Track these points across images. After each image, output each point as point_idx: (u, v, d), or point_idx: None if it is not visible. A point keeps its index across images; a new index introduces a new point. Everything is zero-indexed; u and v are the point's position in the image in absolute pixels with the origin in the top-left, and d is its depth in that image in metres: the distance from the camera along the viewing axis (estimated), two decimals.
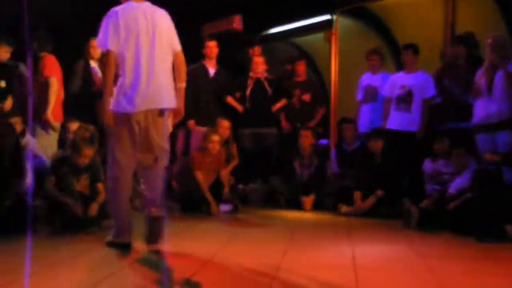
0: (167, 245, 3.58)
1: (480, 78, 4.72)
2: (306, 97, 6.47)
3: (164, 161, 3.60)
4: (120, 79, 3.42)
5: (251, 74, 6.41)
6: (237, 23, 7.75)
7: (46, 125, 5.23)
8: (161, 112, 3.49)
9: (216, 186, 5.49)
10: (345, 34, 7.23)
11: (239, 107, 6.35)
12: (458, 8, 6.25)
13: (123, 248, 3.44)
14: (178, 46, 3.62)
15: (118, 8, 3.44)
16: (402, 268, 3.16)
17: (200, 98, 6.19)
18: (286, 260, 3.21)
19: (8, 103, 5.20)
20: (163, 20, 3.55)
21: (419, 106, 5.51)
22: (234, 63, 7.52)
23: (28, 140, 4.94)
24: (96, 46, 5.04)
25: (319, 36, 7.45)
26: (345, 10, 7.19)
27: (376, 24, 7.60)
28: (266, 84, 6.36)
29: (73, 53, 5.87)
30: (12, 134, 4.44)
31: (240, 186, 6.12)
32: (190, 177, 5.37)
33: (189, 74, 6.07)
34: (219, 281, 2.81)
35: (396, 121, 5.62)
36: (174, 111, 3.61)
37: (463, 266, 3.22)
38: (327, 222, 5.02)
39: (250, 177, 6.34)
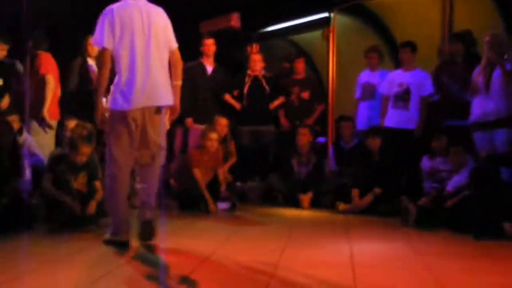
0: (165, 243, 3.59)
1: (477, 76, 4.72)
2: (305, 94, 6.48)
3: (161, 159, 3.62)
4: (117, 77, 3.43)
5: (248, 71, 6.41)
6: (235, 20, 7.76)
7: (42, 123, 5.23)
8: (158, 110, 3.50)
9: (214, 184, 5.49)
10: (343, 32, 7.24)
11: (236, 105, 6.34)
12: (455, 6, 6.25)
13: (121, 246, 3.43)
14: (174, 44, 3.62)
15: (114, 6, 3.44)
16: (400, 266, 3.16)
17: (198, 96, 6.18)
18: (284, 258, 3.21)
19: (5, 101, 5.20)
20: (160, 17, 3.54)
21: (417, 104, 5.52)
22: (232, 61, 7.51)
23: (26, 138, 4.94)
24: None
25: (317, 33, 7.46)
26: (343, 8, 7.20)
27: (374, 21, 7.61)
28: (263, 81, 6.35)
29: (72, 51, 5.87)
30: (9, 132, 4.43)
31: (238, 184, 6.12)
32: (188, 175, 5.36)
33: (186, 71, 6.10)
34: (217, 278, 2.81)
35: (394, 119, 5.62)
36: (171, 109, 3.64)
37: (461, 263, 3.22)
38: (325, 220, 5.02)
39: (248, 175, 6.34)
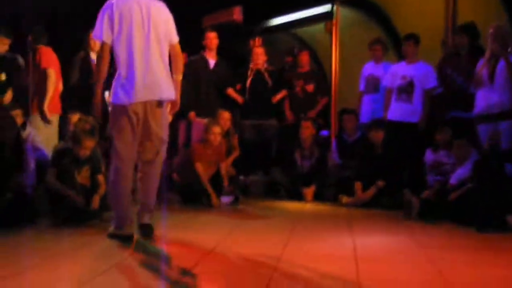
0: (168, 237, 3.59)
1: (481, 68, 4.70)
2: (310, 87, 6.47)
3: (163, 154, 3.63)
4: (117, 71, 3.44)
5: (251, 65, 6.39)
6: (237, 14, 7.74)
7: (42, 117, 5.25)
8: (159, 103, 3.51)
9: (217, 178, 5.49)
10: (345, 25, 7.21)
11: (239, 99, 6.34)
12: None
13: (125, 240, 3.44)
14: (175, 38, 3.62)
15: (114, 0, 3.44)
16: (403, 259, 3.15)
17: (201, 90, 6.18)
18: (287, 251, 3.21)
19: (8, 96, 5.20)
20: (160, 11, 3.54)
21: (420, 97, 5.50)
22: (234, 55, 7.50)
23: (29, 132, 4.95)
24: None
25: (319, 26, 7.43)
26: (345, 1, 7.17)
27: (377, 14, 7.57)
28: (266, 75, 6.34)
29: (73, 46, 5.88)
30: (13, 126, 4.43)
31: (241, 177, 6.13)
32: (191, 169, 5.36)
33: (189, 65, 6.12)
34: (220, 272, 2.81)
35: (397, 112, 5.61)
36: (171, 103, 3.64)
37: (464, 256, 3.21)
38: (328, 213, 5.02)
39: (250, 169, 6.34)
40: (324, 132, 7.04)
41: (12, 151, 4.23)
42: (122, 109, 3.40)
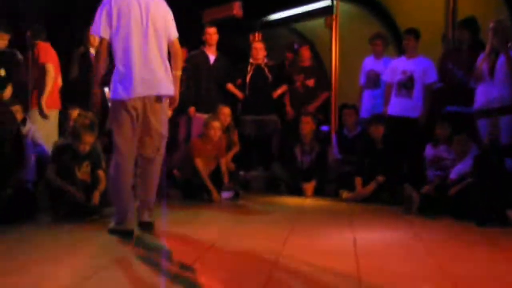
0: (168, 232, 3.60)
1: (481, 63, 4.69)
2: (310, 82, 6.46)
3: (162, 150, 3.64)
4: (116, 67, 3.44)
5: (251, 60, 6.38)
6: (237, 9, 7.71)
7: (40, 112, 5.27)
8: (158, 99, 3.51)
9: (217, 173, 5.49)
10: (345, 20, 7.19)
11: (239, 94, 6.33)
12: None
13: (126, 235, 3.44)
14: (174, 34, 3.62)
15: None
16: (403, 254, 3.16)
17: (201, 85, 6.17)
18: (287, 247, 3.22)
19: (8, 91, 5.20)
20: (159, 7, 3.54)
21: (421, 92, 5.49)
22: (234, 50, 7.48)
23: (29, 128, 4.95)
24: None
25: (319, 21, 7.41)
26: None
27: (377, 9, 7.55)
28: (266, 70, 6.32)
29: (71, 41, 5.89)
30: (13, 122, 4.43)
31: (241, 173, 6.13)
32: (191, 165, 5.36)
33: (189, 60, 6.11)
34: (221, 267, 2.82)
35: (397, 107, 5.60)
36: (170, 99, 3.64)
37: (464, 250, 3.22)
38: (328, 208, 5.03)
39: (251, 164, 6.34)
40: (324, 127, 7.04)
41: (12, 147, 4.23)
42: (121, 105, 3.41)
